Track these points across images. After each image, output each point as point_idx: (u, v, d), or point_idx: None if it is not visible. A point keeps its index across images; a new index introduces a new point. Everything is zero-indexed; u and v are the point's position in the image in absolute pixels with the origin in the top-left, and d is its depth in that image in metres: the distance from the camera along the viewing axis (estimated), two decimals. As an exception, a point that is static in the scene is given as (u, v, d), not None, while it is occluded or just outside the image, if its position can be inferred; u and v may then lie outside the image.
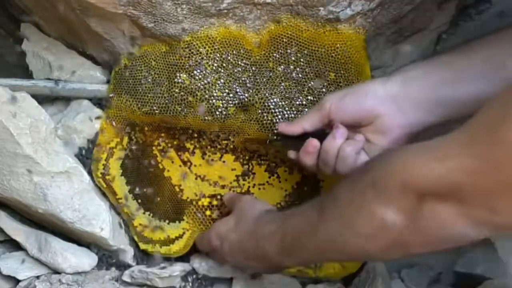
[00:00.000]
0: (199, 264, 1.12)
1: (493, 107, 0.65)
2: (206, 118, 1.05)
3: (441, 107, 0.91)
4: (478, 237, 0.69)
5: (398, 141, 0.93)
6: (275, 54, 1.06)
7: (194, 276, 1.12)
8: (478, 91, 0.87)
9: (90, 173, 1.10)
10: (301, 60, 1.06)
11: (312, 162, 0.97)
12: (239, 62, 1.05)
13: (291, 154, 1.01)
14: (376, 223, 0.75)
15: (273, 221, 0.95)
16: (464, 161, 0.65)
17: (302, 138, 0.98)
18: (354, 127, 0.95)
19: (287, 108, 1.05)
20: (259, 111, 1.06)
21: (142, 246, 1.12)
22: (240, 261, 1.02)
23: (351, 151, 0.92)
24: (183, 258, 1.14)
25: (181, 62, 1.05)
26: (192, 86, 1.04)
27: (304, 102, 1.06)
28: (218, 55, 1.04)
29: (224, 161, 1.12)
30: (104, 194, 1.11)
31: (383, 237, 0.76)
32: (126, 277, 1.09)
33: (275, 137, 1.02)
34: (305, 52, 1.06)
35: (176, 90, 1.05)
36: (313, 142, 0.96)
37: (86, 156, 1.11)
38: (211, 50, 1.04)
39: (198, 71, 1.04)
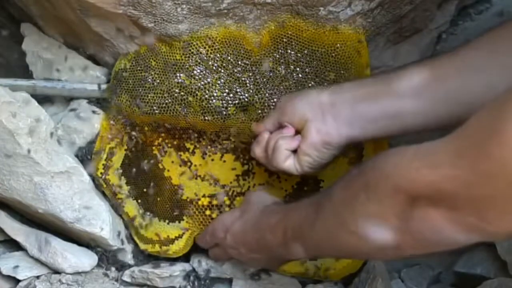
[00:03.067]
0: (199, 264, 1.12)
1: (481, 119, 0.65)
2: (206, 118, 1.05)
3: (359, 122, 0.95)
4: (468, 242, 0.70)
5: (315, 146, 0.97)
6: (275, 54, 1.06)
7: (194, 276, 1.12)
8: (392, 110, 0.93)
9: (90, 173, 1.10)
10: (301, 60, 1.06)
11: (260, 153, 1.02)
12: (239, 62, 1.05)
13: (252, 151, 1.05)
14: (368, 224, 0.76)
15: (276, 213, 0.97)
16: (453, 171, 0.66)
17: None
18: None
19: (287, 108, 1.05)
20: (259, 111, 1.06)
21: (142, 246, 1.12)
22: (243, 253, 1.02)
23: (282, 144, 0.98)
24: (183, 258, 1.14)
25: (181, 62, 1.05)
26: (192, 86, 1.04)
27: (304, 102, 1.06)
28: (218, 55, 1.04)
29: (224, 161, 1.11)
30: (104, 194, 1.11)
31: (376, 238, 0.76)
32: (126, 277, 1.09)
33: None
34: (305, 52, 1.06)
35: (176, 90, 1.05)
36: (264, 134, 1.01)
37: (86, 156, 1.11)
38: (211, 50, 1.04)
39: (198, 71, 1.04)
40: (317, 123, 0.96)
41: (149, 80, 1.06)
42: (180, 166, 1.12)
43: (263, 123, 1.03)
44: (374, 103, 0.94)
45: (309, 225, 0.87)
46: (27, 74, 1.16)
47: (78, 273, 1.07)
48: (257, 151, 1.02)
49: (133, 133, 1.11)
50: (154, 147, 1.11)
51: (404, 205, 0.71)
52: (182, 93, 1.05)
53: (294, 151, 0.99)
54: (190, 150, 1.11)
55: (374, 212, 0.75)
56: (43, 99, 1.12)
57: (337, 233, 0.82)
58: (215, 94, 1.04)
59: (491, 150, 0.61)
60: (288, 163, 0.99)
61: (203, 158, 1.11)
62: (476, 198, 0.65)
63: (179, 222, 1.12)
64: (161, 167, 1.12)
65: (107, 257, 1.11)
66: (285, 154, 0.98)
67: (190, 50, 1.04)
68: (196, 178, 1.12)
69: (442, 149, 0.68)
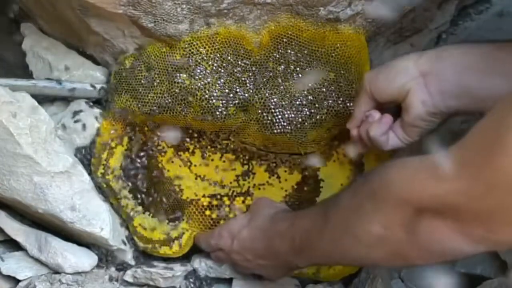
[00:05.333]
0: (200, 264, 1.12)
1: (485, 129, 0.65)
2: (206, 118, 1.05)
3: (466, 94, 0.89)
4: (475, 252, 0.70)
5: (422, 118, 0.92)
6: (275, 54, 1.06)
7: (195, 276, 1.12)
8: (505, 88, 0.83)
9: (90, 173, 1.10)
10: (301, 60, 1.06)
11: (362, 149, 1.01)
12: (239, 62, 1.05)
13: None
14: (375, 233, 0.76)
15: (285, 220, 0.97)
16: (458, 183, 0.66)
17: None
18: (396, 103, 0.95)
19: (287, 108, 1.05)
20: (259, 111, 1.05)
21: (142, 246, 1.12)
22: (249, 259, 1.02)
23: (375, 135, 0.96)
24: (183, 258, 1.14)
25: (181, 62, 1.05)
26: (192, 86, 1.04)
27: (304, 102, 1.06)
28: (218, 55, 1.04)
29: (224, 161, 1.11)
30: (104, 194, 1.11)
31: (383, 247, 0.77)
32: (128, 277, 1.09)
33: None
34: (305, 52, 1.06)
35: (176, 90, 1.05)
36: (352, 132, 1.00)
37: (86, 156, 1.11)
38: (211, 50, 1.04)
39: (198, 71, 1.04)
40: (421, 94, 0.91)
41: (149, 80, 1.06)
42: (180, 166, 1.12)
43: (354, 117, 1.00)
44: (483, 78, 0.88)
45: (317, 233, 0.87)
46: (27, 74, 1.16)
47: (78, 273, 1.07)
48: (359, 148, 1.01)
49: (133, 133, 1.11)
50: (154, 147, 1.11)
51: (410, 216, 0.71)
52: (182, 93, 1.05)
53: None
54: (190, 150, 1.11)
55: (380, 222, 0.75)
56: (43, 99, 1.12)
57: (344, 242, 0.82)
58: (215, 94, 1.04)
59: (494, 160, 0.61)
60: (392, 143, 0.96)
61: (203, 158, 1.11)
62: (482, 209, 0.64)
63: (179, 222, 1.12)
64: (161, 167, 1.12)
65: (107, 257, 1.11)
66: (383, 140, 0.96)
67: (190, 50, 1.04)
68: (196, 178, 1.12)
69: (446, 161, 0.67)
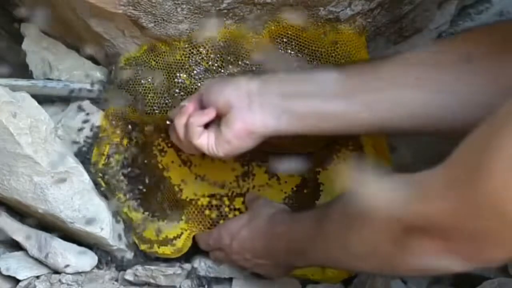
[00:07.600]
0: (199, 264, 1.12)
1: (468, 151, 0.65)
2: (206, 118, 1.05)
3: (286, 116, 0.91)
4: (464, 269, 0.69)
5: (240, 138, 0.93)
6: (275, 54, 1.06)
7: (195, 275, 1.12)
8: (321, 111, 0.90)
9: (90, 173, 1.10)
10: (301, 60, 1.06)
11: (175, 138, 0.99)
12: (239, 62, 1.05)
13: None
14: (364, 248, 0.77)
15: (283, 222, 0.98)
16: (444, 203, 0.65)
17: None
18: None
19: (287, 108, 1.05)
20: (259, 111, 1.05)
21: (141, 246, 1.12)
22: (248, 259, 1.02)
23: (192, 122, 0.94)
24: (183, 258, 1.14)
25: (181, 62, 1.05)
26: (192, 86, 1.04)
27: (304, 102, 1.05)
28: (218, 55, 1.04)
29: (224, 161, 1.11)
30: (104, 194, 1.11)
31: (373, 260, 0.78)
32: (129, 276, 1.09)
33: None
34: (305, 52, 1.06)
35: (176, 90, 1.05)
36: (178, 119, 0.98)
37: (86, 156, 1.11)
38: (211, 50, 1.04)
39: (198, 71, 1.04)
40: (242, 111, 0.92)
41: (149, 80, 1.06)
42: (180, 166, 1.12)
43: (177, 108, 0.99)
44: (303, 101, 0.91)
45: (310, 241, 0.89)
46: (27, 74, 1.16)
47: (78, 273, 1.07)
48: (173, 136, 1.00)
49: (133, 133, 1.11)
50: (154, 147, 1.11)
51: (398, 234, 0.71)
52: (182, 93, 1.05)
53: (206, 126, 0.96)
54: (190, 150, 1.11)
55: (369, 238, 0.76)
56: (43, 99, 1.12)
57: (337, 251, 0.84)
58: (215, 94, 1.04)
59: (480, 182, 0.60)
60: (201, 141, 0.95)
61: (203, 158, 1.11)
62: (469, 229, 0.64)
63: (178, 222, 1.12)
64: (161, 167, 1.12)
65: (107, 257, 1.11)
66: (198, 131, 0.95)
67: (190, 50, 1.04)
68: (195, 178, 1.12)
69: (432, 181, 0.67)
